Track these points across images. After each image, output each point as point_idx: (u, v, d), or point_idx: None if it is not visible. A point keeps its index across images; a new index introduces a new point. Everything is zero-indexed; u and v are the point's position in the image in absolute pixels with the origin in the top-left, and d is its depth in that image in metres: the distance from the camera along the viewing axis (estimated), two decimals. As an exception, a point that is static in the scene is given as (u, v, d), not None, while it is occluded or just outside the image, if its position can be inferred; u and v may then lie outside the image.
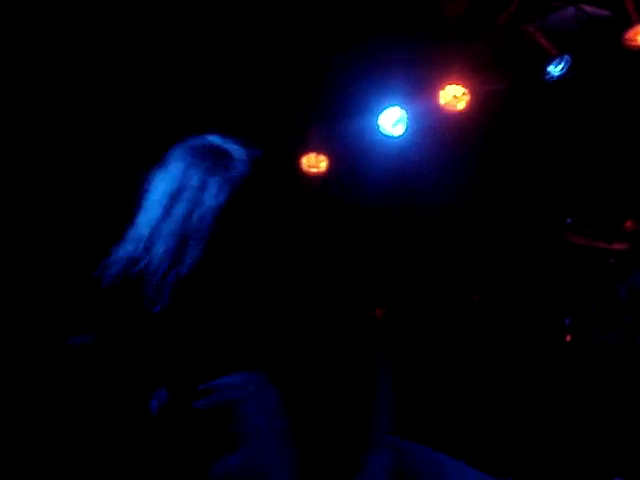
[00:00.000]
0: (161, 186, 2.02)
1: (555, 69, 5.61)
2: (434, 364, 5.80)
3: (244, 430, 1.87)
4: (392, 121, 5.60)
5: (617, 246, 5.03)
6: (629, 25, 5.33)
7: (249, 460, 1.86)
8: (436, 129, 5.81)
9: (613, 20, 5.56)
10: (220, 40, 5.12)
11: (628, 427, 4.33)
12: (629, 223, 5.05)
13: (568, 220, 5.11)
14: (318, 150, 5.80)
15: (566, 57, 5.60)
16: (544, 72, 5.64)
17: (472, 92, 5.59)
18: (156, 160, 2.04)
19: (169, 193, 1.99)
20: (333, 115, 5.67)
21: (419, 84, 5.56)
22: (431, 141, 5.83)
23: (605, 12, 5.68)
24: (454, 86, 5.49)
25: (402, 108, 5.56)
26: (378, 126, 5.63)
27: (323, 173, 5.87)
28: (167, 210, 1.96)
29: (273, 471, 1.88)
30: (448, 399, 5.63)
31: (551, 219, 5.35)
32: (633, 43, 5.38)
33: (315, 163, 5.81)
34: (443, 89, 5.50)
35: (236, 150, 2.09)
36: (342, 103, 5.58)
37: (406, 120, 5.62)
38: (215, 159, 2.05)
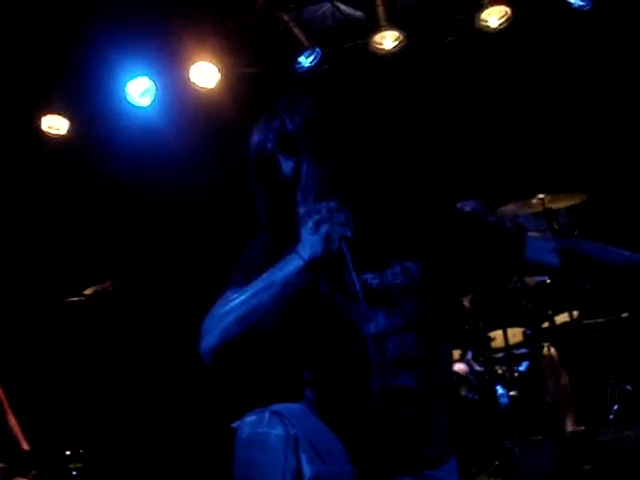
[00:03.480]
0: None
1: (306, 60, 5.77)
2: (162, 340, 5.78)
3: None
4: (140, 91, 5.49)
5: None
6: (377, 29, 5.59)
7: None
8: (185, 104, 5.78)
9: (365, 22, 5.81)
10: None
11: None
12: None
13: None
14: (60, 111, 5.55)
15: (317, 50, 5.78)
16: (295, 62, 5.78)
17: (223, 72, 5.61)
18: None
19: None
20: (79, 76, 5.45)
21: (170, 56, 5.49)
22: (180, 116, 5.78)
23: (359, 13, 5.92)
24: (205, 63, 5.48)
25: (151, 79, 5.47)
26: (125, 94, 5.49)
27: (64, 136, 5.63)
28: None
29: None
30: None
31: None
32: (379, 46, 5.66)
33: (56, 124, 5.56)
34: (194, 65, 5.48)
35: None
36: (89, 65, 5.37)
37: (154, 91, 5.53)
38: None
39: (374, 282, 2.15)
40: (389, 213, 2.24)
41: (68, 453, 4.18)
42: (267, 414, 1.98)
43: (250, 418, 1.99)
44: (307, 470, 1.92)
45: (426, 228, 2.22)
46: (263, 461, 1.92)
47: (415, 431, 2.12)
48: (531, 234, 2.23)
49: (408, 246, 2.19)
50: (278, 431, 1.94)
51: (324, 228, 1.99)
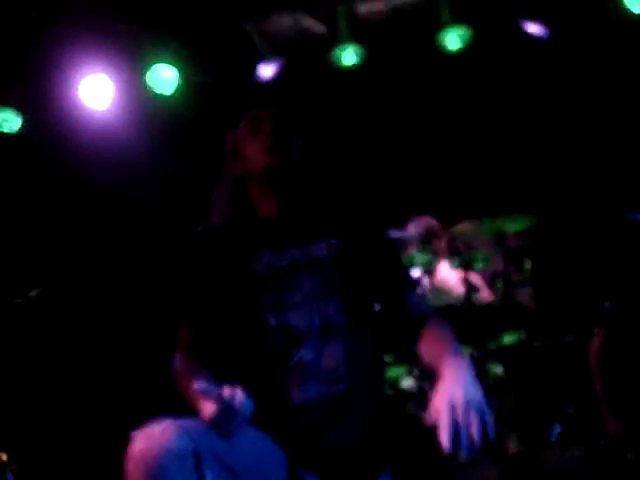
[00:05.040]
0: None
1: (265, 71, 5.77)
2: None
3: None
4: (96, 91, 5.40)
5: None
6: (338, 44, 5.63)
7: None
8: (141, 107, 5.71)
9: (326, 36, 5.83)
10: None
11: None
12: None
13: None
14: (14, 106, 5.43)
15: (277, 62, 5.78)
16: (254, 73, 5.77)
17: (182, 78, 5.57)
18: None
19: None
20: (33, 70, 5.34)
21: (129, 58, 5.42)
22: (134, 118, 5.69)
23: (320, 27, 5.94)
24: (164, 67, 5.43)
25: (107, 78, 5.38)
26: (80, 93, 5.40)
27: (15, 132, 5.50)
28: None
29: None
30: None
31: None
32: (339, 61, 5.69)
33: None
34: (152, 68, 5.42)
35: None
36: (44, 59, 5.27)
37: (111, 92, 5.45)
38: None
39: (299, 255, 2.24)
40: (321, 201, 2.41)
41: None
42: (163, 426, 1.85)
43: (146, 429, 1.86)
44: None
45: (350, 223, 2.38)
46: (155, 477, 1.78)
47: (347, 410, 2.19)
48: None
49: (333, 226, 2.33)
50: (172, 445, 1.80)
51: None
